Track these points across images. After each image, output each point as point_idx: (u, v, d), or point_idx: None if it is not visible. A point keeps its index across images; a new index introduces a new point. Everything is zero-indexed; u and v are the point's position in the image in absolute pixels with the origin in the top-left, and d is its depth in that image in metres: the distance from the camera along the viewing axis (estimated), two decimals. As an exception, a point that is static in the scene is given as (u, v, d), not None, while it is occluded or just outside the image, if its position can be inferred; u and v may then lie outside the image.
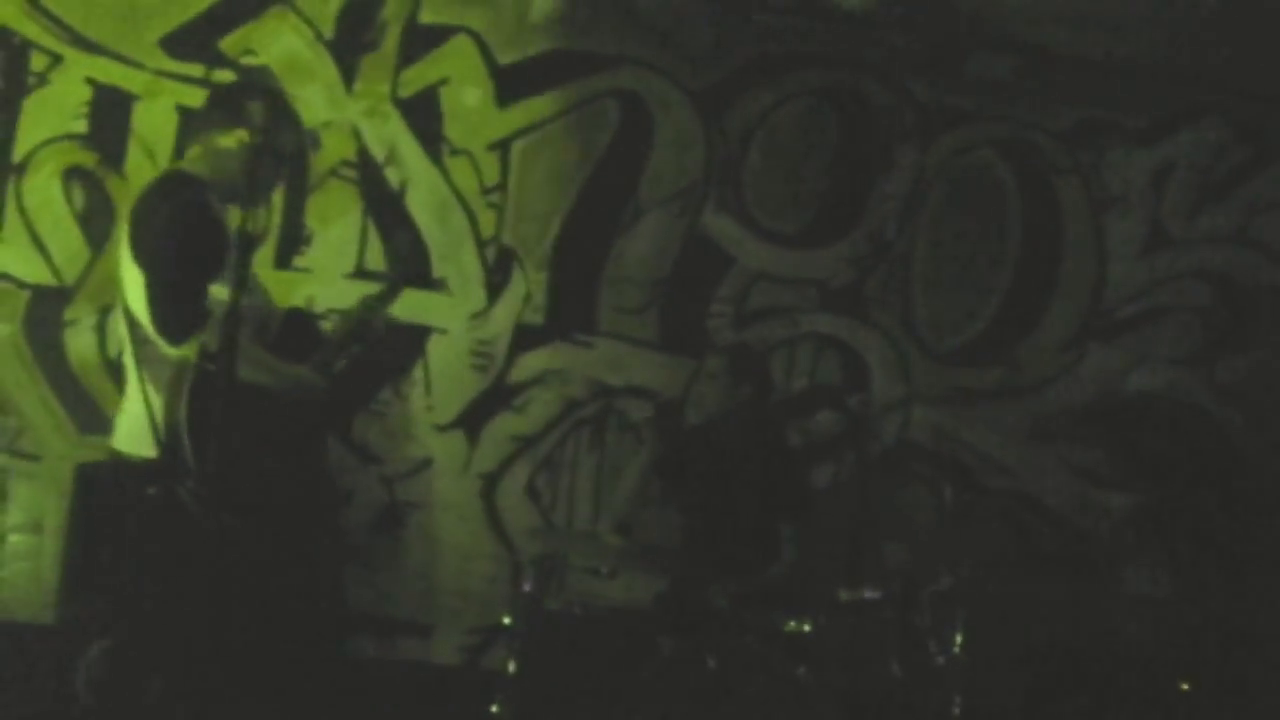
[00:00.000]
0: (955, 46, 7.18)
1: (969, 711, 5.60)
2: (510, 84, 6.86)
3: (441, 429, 6.85)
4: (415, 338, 6.78)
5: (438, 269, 6.80)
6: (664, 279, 7.00)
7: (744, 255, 7.09)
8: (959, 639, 5.65)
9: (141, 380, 5.00)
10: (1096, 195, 7.34)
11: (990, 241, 7.26)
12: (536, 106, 6.88)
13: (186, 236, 4.98)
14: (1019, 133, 7.27)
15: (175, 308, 4.94)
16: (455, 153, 6.80)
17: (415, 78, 6.80)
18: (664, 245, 7.00)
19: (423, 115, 6.80)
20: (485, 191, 6.81)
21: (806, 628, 5.56)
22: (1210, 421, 7.40)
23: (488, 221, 6.84)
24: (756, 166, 7.09)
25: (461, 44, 6.82)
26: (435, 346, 6.83)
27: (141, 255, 4.98)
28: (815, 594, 5.86)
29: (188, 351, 4.90)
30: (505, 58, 6.85)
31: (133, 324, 5.09)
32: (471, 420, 6.88)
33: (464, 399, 6.86)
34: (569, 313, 6.93)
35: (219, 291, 4.87)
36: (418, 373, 6.82)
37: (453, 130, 6.81)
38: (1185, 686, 6.18)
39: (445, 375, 6.84)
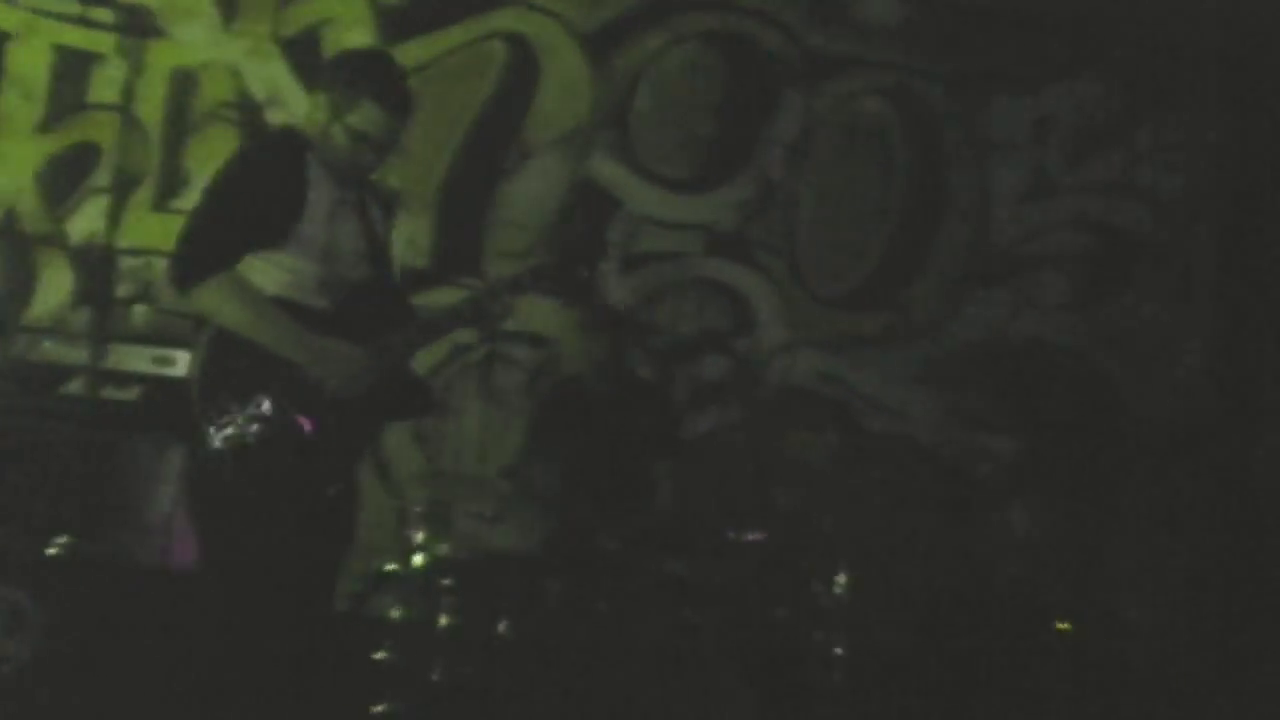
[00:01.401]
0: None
1: (853, 652, 5.66)
2: (395, 25, 6.77)
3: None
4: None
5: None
6: (550, 223, 6.96)
7: (631, 199, 7.07)
8: (843, 580, 5.69)
9: None
10: (980, 143, 7.39)
11: (876, 187, 7.29)
12: (421, 48, 6.79)
13: (255, 191, 4.49)
14: (905, 79, 7.30)
15: (196, 251, 4.46)
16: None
17: (297, 17, 6.69)
18: (550, 189, 6.96)
19: (305, 56, 6.69)
20: (371, 133, 6.71)
21: (694, 571, 5.58)
22: (1090, 366, 7.49)
23: (372, 164, 6.75)
24: (644, 110, 7.06)
25: (345, -17, 6.74)
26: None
27: (202, 192, 4.65)
28: (702, 537, 5.88)
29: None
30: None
31: None
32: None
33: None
34: (454, 256, 6.87)
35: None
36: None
37: (335, 71, 6.71)
38: (1063, 626, 6.27)
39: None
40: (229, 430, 4.21)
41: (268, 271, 4.41)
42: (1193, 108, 7.57)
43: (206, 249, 4.40)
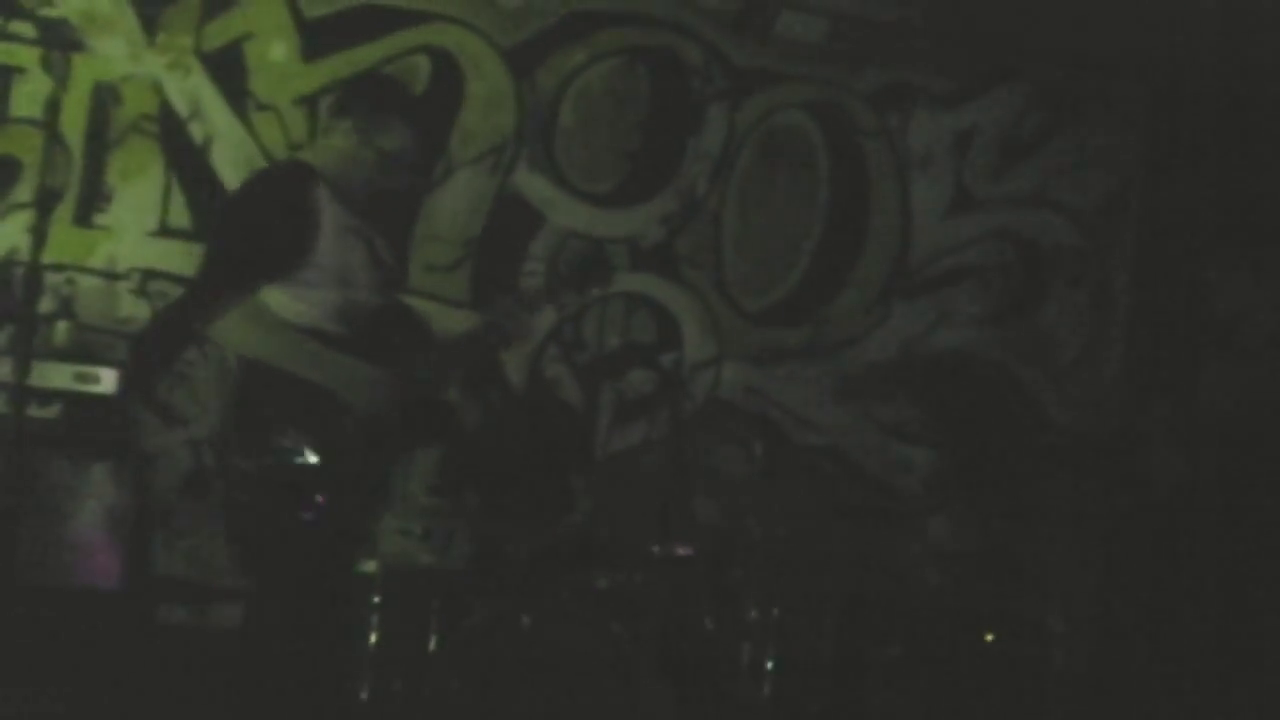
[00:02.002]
0: (765, 7, 7.24)
1: (781, 664, 5.69)
2: (318, 38, 6.74)
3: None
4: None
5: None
6: (475, 237, 6.96)
7: (555, 214, 7.08)
8: (770, 593, 5.73)
9: None
10: (902, 157, 7.47)
11: (800, 201, 7.35)
12: (345, 62, 6.76)
13: (265, 221, 4.56)
14: (828, 94, 7.36)
15: (213, 285, 4.55)
16: (261, 108, 6.67)
17: (219, 31, 6.64)
18: (475, 203, 6.95)
19: (227, 69, 6.65)
20: (292, 148, 6.68)
21: (620, 584, 5.59)
22: (1010, 377, 7.58)
23: (295, 178, 6.72)
24: (568, 125, 7.08)
25: (268, -4, 6.70)
26: (242, 306, 6.68)
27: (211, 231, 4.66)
28: (629, 550, 5.90)
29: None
30: (313, 11, 6.73)
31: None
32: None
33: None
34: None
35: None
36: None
37: (259, 85, 6.68)
38: (989, 636, 6.34)
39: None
40: (264, 460, 4.24)
41: (285, 301, 4.41)
42: (1110, 121, 7.68)
43: (223, 282, 4.40)
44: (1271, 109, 7.58)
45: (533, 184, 7.03)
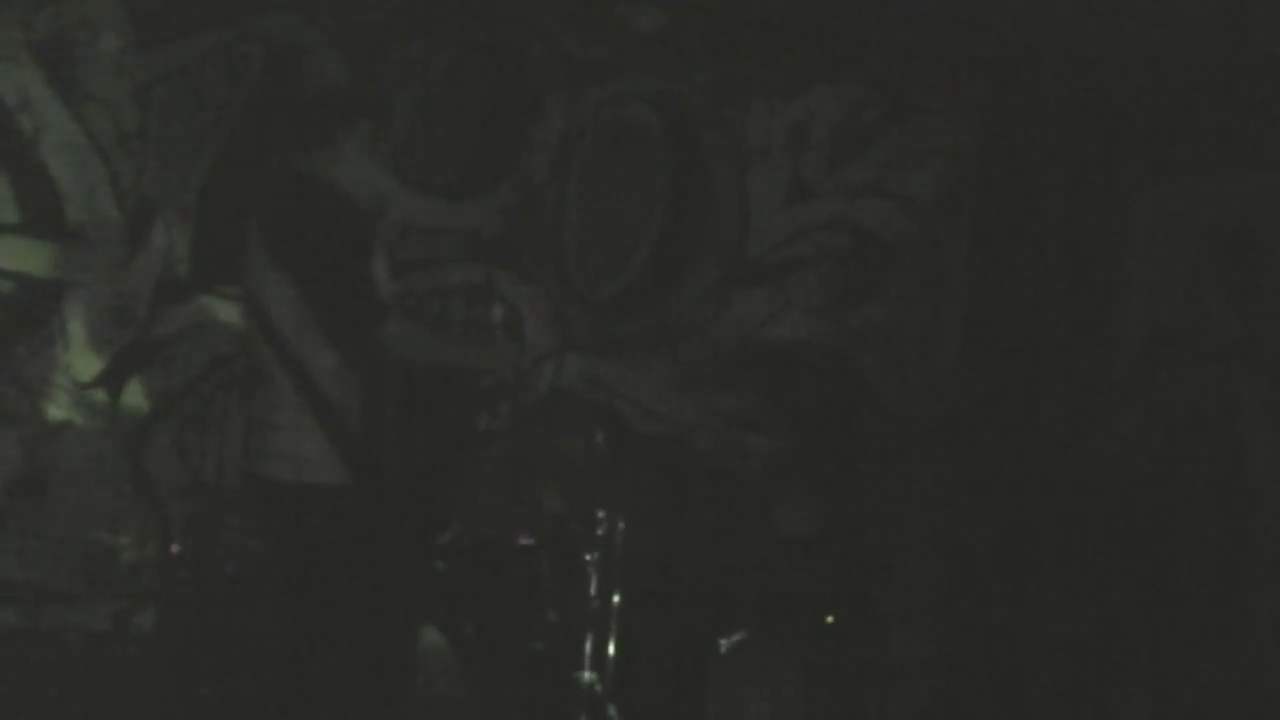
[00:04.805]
0: (604, -1, 7.27)
1: (625, 654, 5.71)
2: (150, 29, 6.63)
3: (83, 388, 6.60)
4: (51, 292, 6.51)
5: (73, 219, 6.53)
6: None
7: (394, 207, 7.03)
8: (615, 582, 5.75)
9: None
10: (739, 148, 7.52)
11: (640, 192, 7.37)
12: (178, 51, 6.66)
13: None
14: (666, 85, 7.39)
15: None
16: (93, 99, 6.55)
17: (49, 21, 6.51)
18: (313, 195, 6.88)
19: (58, 60, 6.52)
20: (125, 139, 6.57)
21: (462, 574, 5.59)
22: (847, 366, 7.68)
23: (128, 171, 6.61)
24: (406, 117, 7.03)
25: (99, -14, 6.58)
26: (72, 301, 6.56)
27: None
28: (470, 541, 5.89)
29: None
30: (145, 2, 6.62)
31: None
32: (114, 379, 6.65)
33: (105, 356, 6.63)
34: (215, 265, 6.76)
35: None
36: (54, 329, 6.55)
37: (90, 76, 6.55)
38: (830, 619, 6.42)
39: (84, 332, 6.59)
40: None
41: None
42: (945, 113, 7.81)
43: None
44: (1106, 102, 7.76)
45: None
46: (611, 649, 5.61)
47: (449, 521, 6.01)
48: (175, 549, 5.79)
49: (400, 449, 4.87)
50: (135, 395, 6.68)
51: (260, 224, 5.07)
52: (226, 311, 6.72)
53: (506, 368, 5.89)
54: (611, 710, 5.60)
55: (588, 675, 5.58)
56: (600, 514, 5.79)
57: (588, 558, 5.76)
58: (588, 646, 5.62)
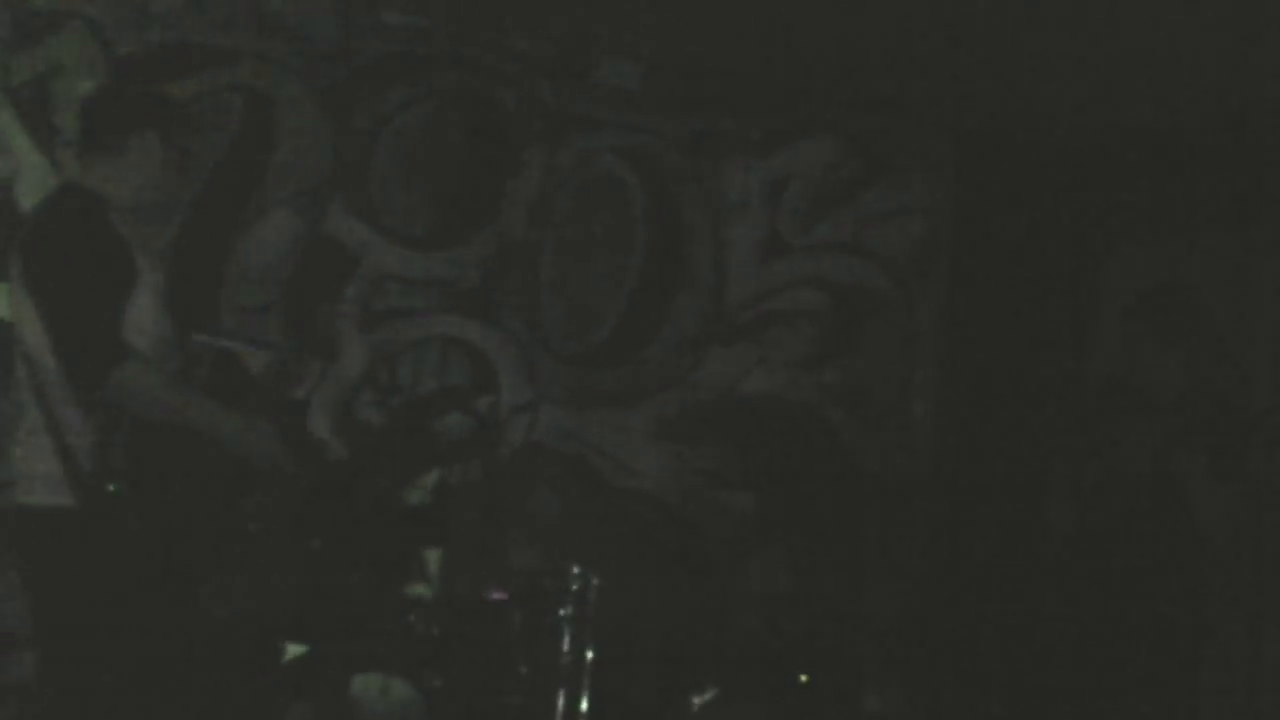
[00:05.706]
0: (582, 53, 7.27)
1: (597, 710, 5.66)
2: (128, 75, 6.62)
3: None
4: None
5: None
6: (288, 278, 6.86)
7: (370, 256, 7.02)
8: (587, 638, 5.71)
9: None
10: (716, 203, 7.54)
11: (616, 246, 7.37)
12: (155, 99, 6.63)
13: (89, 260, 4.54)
14: (643, 140, 7.41)
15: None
16: (69, 144, 6.51)
17: (26, 65, 6.50)
18: (288, 244, 6.86)
19: (34, 104, 6.49)
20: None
21: (435, 630, 5.54)
22: (822, 422, 7.68)
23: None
24: (383, 167, 7.02)
25: (77, 31, 6.54)
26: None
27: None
28: (443, 596, 5.85)
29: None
30: (123, 47, 6.61)
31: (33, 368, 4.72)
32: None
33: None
34: (189, 312, 6.70)
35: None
36: (20, 377, 6.45)
37: (66, 121, 6.52)
38: (804, 678, 6.39)
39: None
40: None
41: None
42: (920, 172, 7.84)
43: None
44: (1077, 164, 7.81)
45: (347, 226, 6.96)
46: (584, 705, 5.56)
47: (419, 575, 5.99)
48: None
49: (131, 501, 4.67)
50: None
51: (23, 240, 4.84)
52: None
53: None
54: None
55: None
56: (573, 569, 5.74)
57: (560, 613, 5.72)
58: (560, 702, 5.56)
